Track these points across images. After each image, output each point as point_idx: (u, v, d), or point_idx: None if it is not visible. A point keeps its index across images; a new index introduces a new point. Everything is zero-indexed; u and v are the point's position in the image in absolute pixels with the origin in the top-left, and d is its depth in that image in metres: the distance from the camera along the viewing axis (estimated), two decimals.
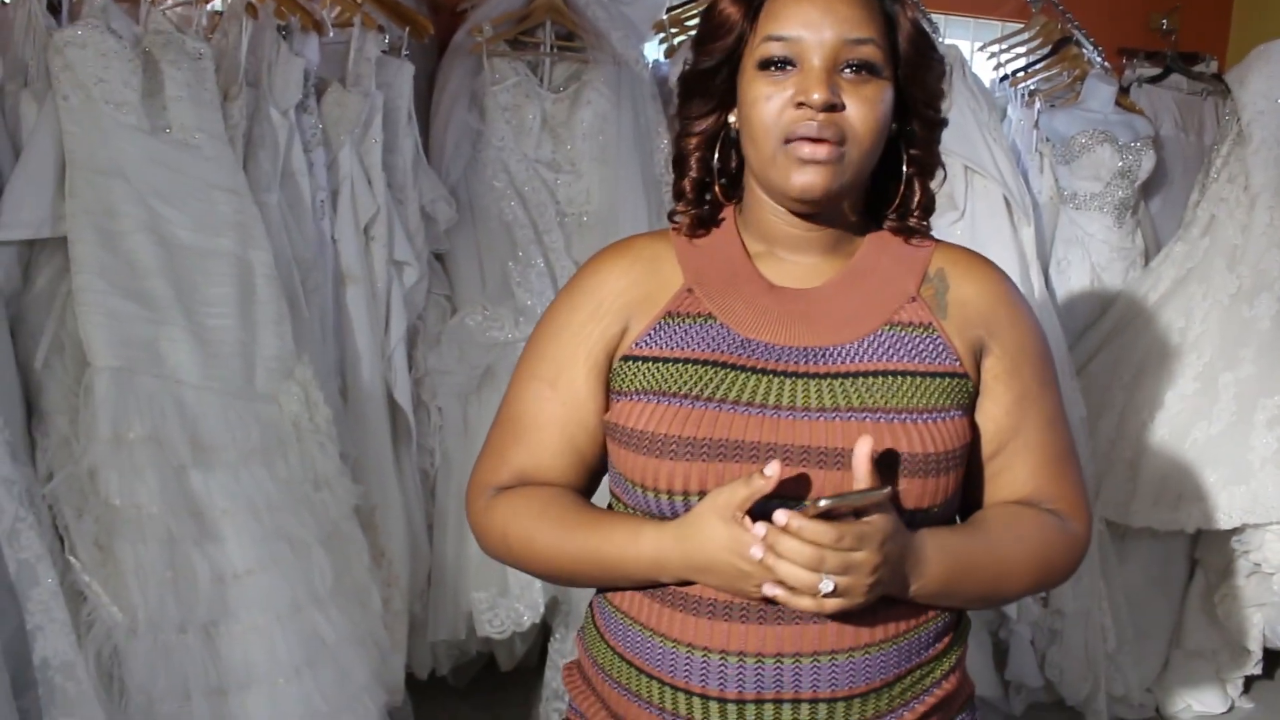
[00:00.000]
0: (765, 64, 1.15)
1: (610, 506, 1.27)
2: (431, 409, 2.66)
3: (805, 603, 1.04)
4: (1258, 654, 3.06)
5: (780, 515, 1.02)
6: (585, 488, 1.27)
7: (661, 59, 3.14)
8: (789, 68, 1.14)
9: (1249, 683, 3.17)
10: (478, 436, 2.68)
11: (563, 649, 2.64)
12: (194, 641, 1.85)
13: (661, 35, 3.17)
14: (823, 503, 1.02)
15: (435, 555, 2.68)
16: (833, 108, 1.12)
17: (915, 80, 1.19)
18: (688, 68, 1.23)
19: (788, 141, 1.13)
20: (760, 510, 1.05)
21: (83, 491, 1.81)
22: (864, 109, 1.13)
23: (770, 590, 1.05)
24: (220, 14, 2.29)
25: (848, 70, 1.13)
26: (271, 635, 1.93)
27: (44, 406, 1.86)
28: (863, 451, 1.05)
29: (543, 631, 2.78)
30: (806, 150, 1.12)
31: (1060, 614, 2.93)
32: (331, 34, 2.52)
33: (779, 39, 1.14)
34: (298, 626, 1.97)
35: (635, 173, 2.78)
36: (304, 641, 1.98)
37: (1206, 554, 3.07)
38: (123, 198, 1.92)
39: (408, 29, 2.69)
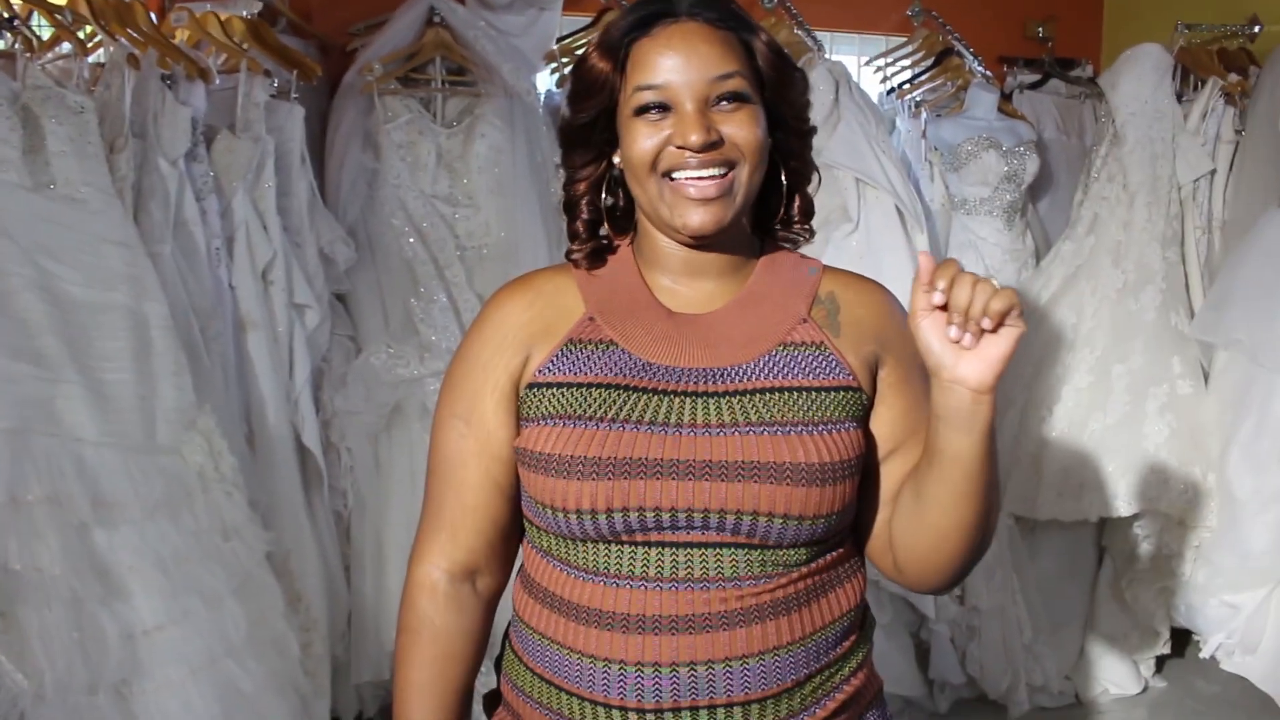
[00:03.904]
0: (640, 110, 1.19)
1: (524, 532, 1.30)
2: (341, 450, 2.65)
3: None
4: (1165, 634, 3.17)
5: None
6: (508, 520, 1.29)
7: (554, 89, 3.16)
8: (664, 110, 1.18)
9: (1160, 662, 3.28)
10: (389, 475, 2.69)
11: (487, 681, 2.63)
12: (105, 702, 1.82)
13: (553, 65, 3.20)
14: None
15: (354, 597, 2.66)
16: (711, 146, 1.17)
17: (781, 97, 1.24)
18: (565, 121, 1.27)
19: (671, 178, 1.18)
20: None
21: None
22: (743, 131, 1.18)
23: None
24: (102, 66, 2.27)
25: (721, 104, 1.18)
26: (186, 690, 1.91)
27: None
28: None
29: None
30: (694, 190, 1.17)
31: (976, 610, 3.00)
32: (218, 81, 2.50)
33: (650, 87, 1.18)
34: (213, 679, 1.95)
35: (533, 203, 2.80)
36: (221, 694, 1.96)
37: (1112, 541, 3.17)
38: (9, 257, 1.89)
39: (295, 72, 2.69)
